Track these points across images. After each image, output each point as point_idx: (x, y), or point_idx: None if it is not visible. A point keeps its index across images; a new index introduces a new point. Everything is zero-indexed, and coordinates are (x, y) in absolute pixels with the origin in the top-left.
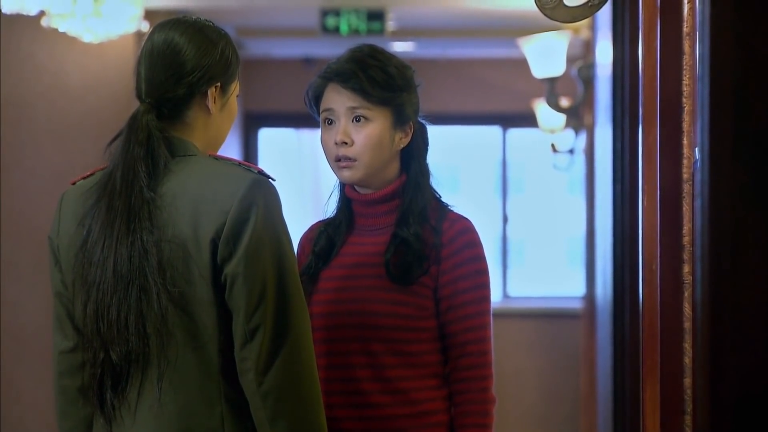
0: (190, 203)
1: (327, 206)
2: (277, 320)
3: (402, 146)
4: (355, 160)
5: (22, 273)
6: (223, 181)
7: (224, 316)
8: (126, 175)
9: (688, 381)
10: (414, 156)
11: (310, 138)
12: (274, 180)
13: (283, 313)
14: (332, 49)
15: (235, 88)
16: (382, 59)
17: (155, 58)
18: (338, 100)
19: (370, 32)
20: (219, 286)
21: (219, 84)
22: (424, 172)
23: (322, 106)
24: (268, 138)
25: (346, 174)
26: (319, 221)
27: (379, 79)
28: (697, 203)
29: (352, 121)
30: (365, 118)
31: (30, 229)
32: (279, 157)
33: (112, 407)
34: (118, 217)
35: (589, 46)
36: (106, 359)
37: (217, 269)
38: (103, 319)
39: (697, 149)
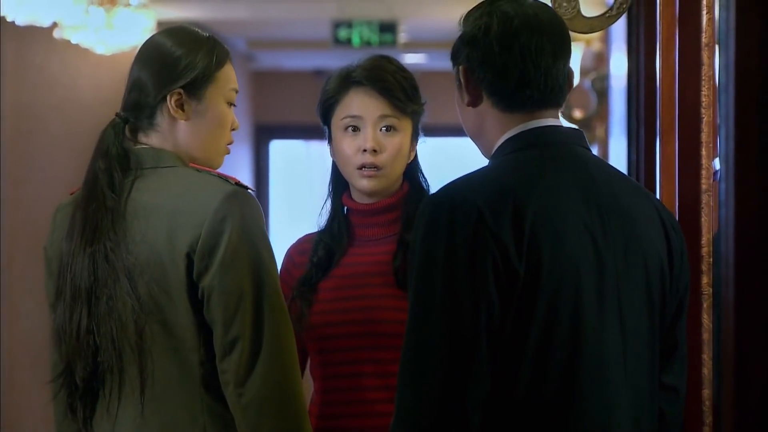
0: (166, 216)
1: (320, 218)
2: (255, 332)
3: (411, 158)
4: (381, 169)
5: (34, 284)
6: (198, 194)
7: (204, 328)
8: (88, 187)
9: (707, 392)
10: (416, 166)
11: (320, 149)
12: (253, 191)
13: (261, 325)
14: (343, 61)
15: (215, 91)
16: (404, 69)
17: (131, 68)
18: (368, 106)
19: (382, 44)
20: (196, 299)
21: (180, 90)
22: (425, 181)
23: (345, 112)
24: (279, 149)
25: (371, 183)
26: (309, 234)
27: (408, 89)
28: (722, 213)
29: (380, 129)
30: (394, 128)
31: (42, 241)
32: (289, 168)
33: (88, 421)
34: (77, 230)
35: (601, 58)
36: (67, 375)
37: (193, 283)
38: (64, 332)
39: (717, 160)
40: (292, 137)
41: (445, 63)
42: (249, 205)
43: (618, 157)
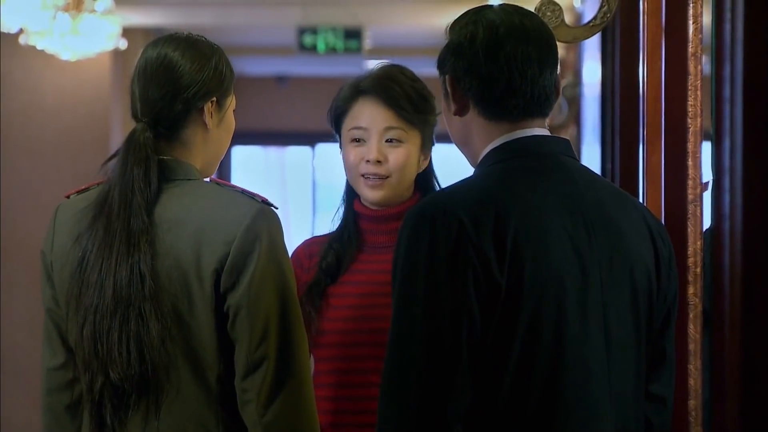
0: (192, 231)
1: (332, 222)
2: (281, 353)
3: (423, 168)
4: (385, 178)
5: None
6: (226, 210)
7: (224, 344)
8: (124, 195)
9: (693, 403)
10: (429, 175)
11: (278, 156)
12: (276, 208)
13: (287, 345)
14: (307, 68)
15: (231, 102)
16: (414, 79)
17: (149, 75)
18: (374, 117)
19: (347, 50)
20: (221, 315)
21: (215, 98)
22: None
23: (352, 123)
24: (240, 155)
25: (376, 194)
26: (316, 236)
27: (416, 100)
28: (725, 226)
29: (385, 141)
30: (399, 140)
31: (6, 245)
32: (249, 174)
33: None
34: (117, 239)
35: (565, 65)
36: (106, 383)
37: (219, 299)
38: (102, 342)
39: (710, 171)
40: (252, 143)
41: (410, 69)
42: (275, 224)
43: (591, 165)
